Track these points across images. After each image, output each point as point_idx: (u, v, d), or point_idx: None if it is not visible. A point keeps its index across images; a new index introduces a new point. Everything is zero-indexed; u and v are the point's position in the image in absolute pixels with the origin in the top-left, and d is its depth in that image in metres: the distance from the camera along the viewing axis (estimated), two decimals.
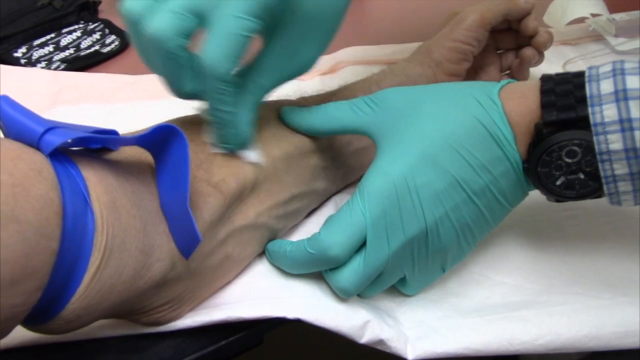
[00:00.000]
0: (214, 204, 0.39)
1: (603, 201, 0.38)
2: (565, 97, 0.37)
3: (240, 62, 0.38)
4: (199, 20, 0.37)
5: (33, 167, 0.29)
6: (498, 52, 0.59)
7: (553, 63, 0.65)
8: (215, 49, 0.37)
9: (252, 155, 0.42)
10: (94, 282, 0.31)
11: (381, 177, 0.38)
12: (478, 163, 0.38)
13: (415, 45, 0.57)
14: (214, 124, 0.40)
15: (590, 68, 0.37)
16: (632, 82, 0.34)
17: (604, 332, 0.39)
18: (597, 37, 0.70)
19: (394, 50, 0.69)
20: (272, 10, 0.38)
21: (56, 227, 0.29)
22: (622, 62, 0.36)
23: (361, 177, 0.40)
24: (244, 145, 0.42)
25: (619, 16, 0.69)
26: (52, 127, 0.31)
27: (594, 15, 0.69)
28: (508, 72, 0.59)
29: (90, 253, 0.31)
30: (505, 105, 0.39)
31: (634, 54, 0.66)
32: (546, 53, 0.57)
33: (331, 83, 0.55)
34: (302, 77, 0.44)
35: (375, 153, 0.41)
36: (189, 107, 0.43)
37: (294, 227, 0.47)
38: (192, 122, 0.42)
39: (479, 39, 0.54)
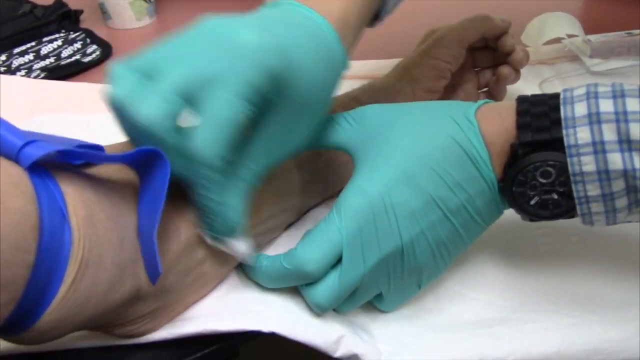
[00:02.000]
0: (192, 227, 0.39)
1: (576, 220, 0.39)
2: (541, 118, 0.37)
3: (230, 147, 0.36)
4: (188, 104, 0.35)
5: (11, 180, 0.29)
6: (475, 69, 0.59)
7: (530, 81, 0.66)
8: (206, 134, 0.35)
9: (241, 246, 0.40)
10: (69, 294, 0.31)
11: (358, 195, 0.39)
12: (454, 182, 0.38)
13: (394, 61, 0.58)
14: (200, 211, 0.38)
15: (565, 90, 0.38)
16: (605, 105, 0.35)
17: (573, 349, 0.40)
18: (573, 57, 0.71)
19: (373, 66, 0.70)
20: (264, 94, 0.36)
21: (32, 240, 0.29)
22: (596, 85, 0.37)
23: (340, 191, 0.41)
24: (233, 233, 0.39)
25: (594, 37, 0.71)
26: (32, 140, 0.31)
27: (570, 36, 0.71)
28: (485, 89, 0.60)
29: (67, 266, 0.31)
30: (482, 125, 0.39)
31: (608, 74, 0.68)
32: (523, 72, 0.58)
33: None
34: None
35: (353, 169, 0.41)
36: None
37: (270, 240, 0.47)
38: None
39: (457, 56, 0.54)
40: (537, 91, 0.66)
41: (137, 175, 0.37)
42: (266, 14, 0.41)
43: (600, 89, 0.36)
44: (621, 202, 0.36)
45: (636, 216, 0.37)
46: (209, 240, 0.39)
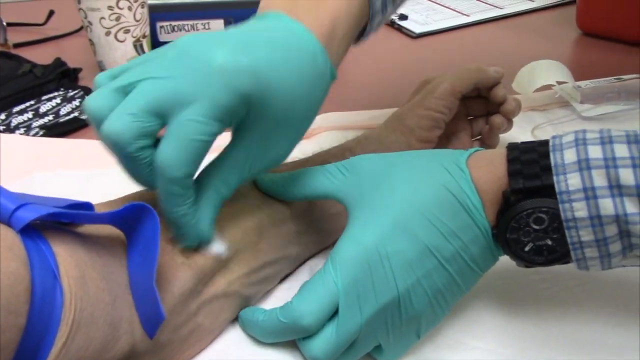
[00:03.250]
0: (184, 278, 0.39)
1: (573, 265, 0.38)
2: (531, 165, 0.38)
3: (199, 165, 0.37)
4: (161, 120, 0.36)
5: (4, 244, 0.30)
6: (469, 118, 0.60)
7: (522, 128, 0.67)
8: (170, 152, 0.36)
9: (215, 247, 0.41)
10: (61, 356, 0.31)
11: (353, 246, 0.39)
12: (448, 230, 0.38)
13: (389, 111, 0.59)
14: (170, 223, 0.39)
15: (554, 137, 0.38)
16: (593, 152, 0.36)
17: None
18: (564, 103, 0.72)
19: (368, 116, 0.71)
20: (235, 112, 0.37)
21: (24, 303, 0.29)
22: (584, 132, 0.37)
23: (335, 241, 0.41)
24: (203, 242, 0.40)
25: (584, 84, 0.72)
26: (24, 203, 0.31)
27: (560, 82, 0.72)
28: (479, 137, 0.60)
29: (58, 328, 0.31)
30: (473, 173, 0.39)
31: (599, 119, 0.68)
32: (515, 118, 0.59)
33: (307, 148, 0.56)
34: None
35: (347, 219, 0.41)
36: None
37: (267, 293, 0.47)
38: None
39: (450, 107, 0.55)
40: (530, 138, 0.66)
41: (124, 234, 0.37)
42: (249, 29, 0.41)
43: (589, 136, 0.37)
44: (615, 247, 0.36)
45: (631, 260, 0.37)
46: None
